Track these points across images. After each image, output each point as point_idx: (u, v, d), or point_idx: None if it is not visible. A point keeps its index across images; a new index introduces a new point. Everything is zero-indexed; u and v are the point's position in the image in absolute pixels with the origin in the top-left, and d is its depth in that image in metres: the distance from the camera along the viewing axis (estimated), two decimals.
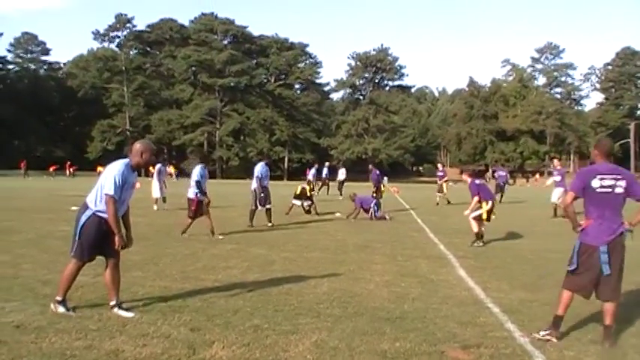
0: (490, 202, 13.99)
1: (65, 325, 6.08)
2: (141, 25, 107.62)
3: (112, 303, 6.65)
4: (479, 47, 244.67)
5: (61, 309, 6.55)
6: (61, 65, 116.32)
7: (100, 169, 74.19)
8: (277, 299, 7.51)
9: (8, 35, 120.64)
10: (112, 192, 6.39)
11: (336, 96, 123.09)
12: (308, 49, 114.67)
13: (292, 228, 16.96)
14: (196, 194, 13.97)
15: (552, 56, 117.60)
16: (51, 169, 73.46)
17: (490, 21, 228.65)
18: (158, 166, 22.71)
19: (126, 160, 6.72)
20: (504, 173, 36.48)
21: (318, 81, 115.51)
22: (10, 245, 11.91)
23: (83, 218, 6.60)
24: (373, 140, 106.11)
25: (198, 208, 14.01)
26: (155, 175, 22.75)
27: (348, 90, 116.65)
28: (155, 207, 22.13)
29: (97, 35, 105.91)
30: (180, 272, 9.25)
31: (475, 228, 13.91)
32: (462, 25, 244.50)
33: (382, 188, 23.51)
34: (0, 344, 5.42)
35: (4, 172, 69.73)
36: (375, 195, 21.27)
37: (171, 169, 76.62)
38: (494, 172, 50.47)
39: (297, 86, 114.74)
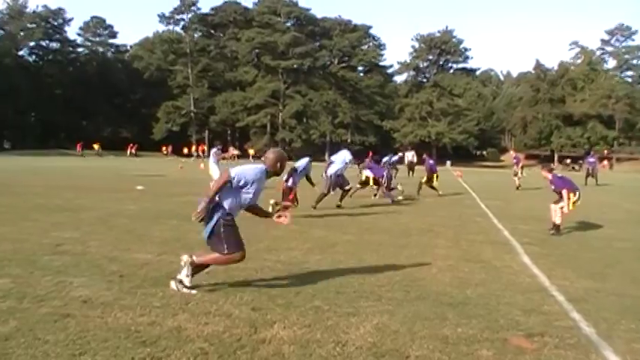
0: (577, 193, 13.50)
1: (130, 301, 6.19)
2: (205, 7, 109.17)
3: (178, 276, 6.73)
4: (546, 29, 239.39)
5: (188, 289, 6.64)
6: (128, 48, 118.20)
7: (164, 149, 75.58)
8: (338, 281, 7.51)
9: (78, 20, 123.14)
10: (232, 175, 6.58)
11: (399, 78, 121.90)
12: (371, 31, 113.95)
13: (354, 210, 16.92)
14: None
15: (623, 38, 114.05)
16: (129, 150, 75.83)
17: (558, 1, 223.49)
18: (214, 149, 23.22)
19: (263, 167, 6.81)
20: (593, 160, 38.33)
21: (381, 63, 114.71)
22: (78, 222, 12.19)
23: (215, 217, 6.59)
24: (437, 123, 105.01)
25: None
26: (211, 158, 23.07)
27: (412, 72, 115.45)
28: None
29: (163, 18, 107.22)
30: None
31: (558, 220, 13.47)
32: (529, 7, 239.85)
33: (434, 178, 23.61)
34: (68, 318, 5.55)
35: (73, 151, 71.63)
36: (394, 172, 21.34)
37: (234, 151, 77.27)
38: (581, 158, 51.52)
39: (360, 68, 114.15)
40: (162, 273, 7.56)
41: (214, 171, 22.50)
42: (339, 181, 17.36)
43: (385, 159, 27.05)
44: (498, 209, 18.57)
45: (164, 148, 79.58)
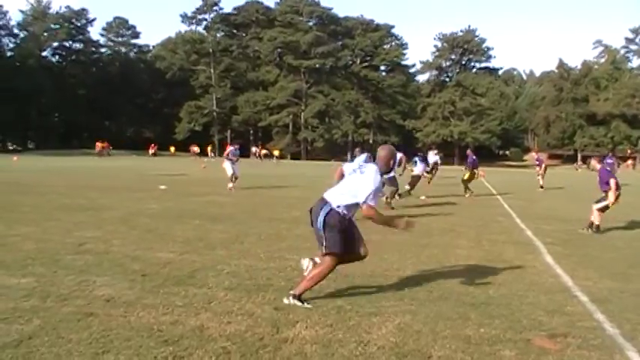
0: (618, 191, 13.39)
1: (152, 300, 6.23)
2: (227, 7, 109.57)
3: (291, 291, 6.46)
4: (569, 28, 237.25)
5: (298, 303, 6.32)
6: (150, 48, 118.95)
7: (194, 148, 75.35)
8: (361, 281, 7.49)
9: (101, 20, 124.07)
10: (373, 203, 6.34)
11: (421, 78, 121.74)
12: (394, 31, 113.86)
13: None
14: None
15: None
16: (150, 150, 76.12)
17: (582, 0, 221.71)
18: (230, 148, 23.92)
19: (376, 167, 6.63)
20: (612, 161, 37.83)
21: (403, 63, 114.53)
22: (101, 222, 12.28)
23: (322, 214, 6.41)
24: (459, 123, 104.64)
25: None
26: (226, 156, 23.45)
27: (434, 72, 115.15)
28: (230, 185, 22.35)
29: (185, 18, 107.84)
30: (265, 251, 9.33)
31: (597, 220, 13.38)
32: (552, 5, 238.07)
33: (476, 173, 23.58)
34: (92, 316, 5.60)
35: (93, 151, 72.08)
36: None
37: (262, 151, 77.95)
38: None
39: (382, 68, 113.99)
40: (184, 272, 7.60)
41: (228, 168, 22.77)
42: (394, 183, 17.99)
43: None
44: (521, 209, 18.45)
45: (194, 148, 77.78)
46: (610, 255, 10.45)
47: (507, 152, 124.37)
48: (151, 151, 77.42)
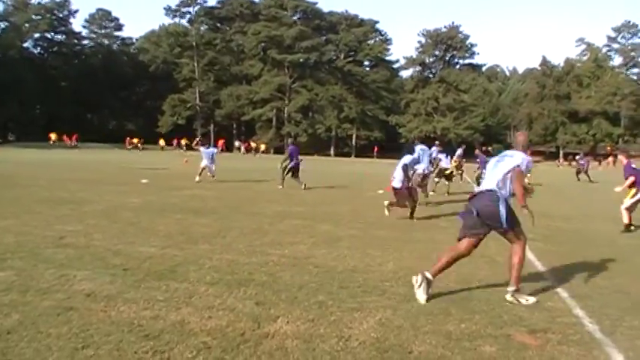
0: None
1: (133, 295, 6.21)
2: (212, 1, 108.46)
3: (509, 288, 6.79)
4: (552, 25, 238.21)
5: (525, 298, 6.70)
6: (134, 41, 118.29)
7: (207, 146, 74.66)
8: (343, 276, 7.51)
9: (83, 12, 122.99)
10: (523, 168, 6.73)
11: (405, 74, 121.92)
12: (378, 26, 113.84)
13: (360, 206, 16.88)
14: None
15: (630, 35, 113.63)
16: (128, 144, 75.72)
17: None
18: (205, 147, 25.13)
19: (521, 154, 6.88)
20: (583, 162, 39.90)
21: (387, 58, 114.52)
22: (82, 215, 12.21)
23: (502, 208, 6.68)
24: (442, 119, 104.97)
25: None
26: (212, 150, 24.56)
27: (418, 68, 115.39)
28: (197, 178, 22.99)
29: (169, 11, 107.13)
30: (247, 246, 9.32)
31: (626, 219, 13.51)
32: (536, 3, 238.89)
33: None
34: (71, 311, 5.57)
35: (81, 144, 71.64)
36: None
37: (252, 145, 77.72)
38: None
39: (366, 63, 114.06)
40: (165, 266, 7.58)
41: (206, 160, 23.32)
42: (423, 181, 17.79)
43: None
44: None
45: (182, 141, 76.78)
46: (591, 251, 10.51)
47: (490, 149, 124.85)
48: (129, 145, 76.93)
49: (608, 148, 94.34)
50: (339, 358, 4.80)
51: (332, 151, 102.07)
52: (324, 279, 7.27)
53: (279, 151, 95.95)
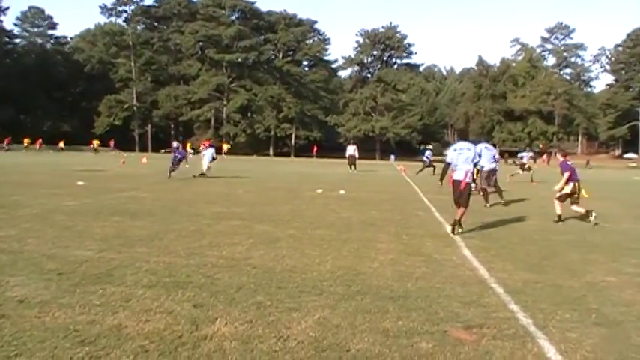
0: (572, 184, 14.61)
1: (69, 300, 6.10)
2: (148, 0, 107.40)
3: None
4: (488, 26, 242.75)
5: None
6: (68, 40, 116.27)
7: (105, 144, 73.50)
8: (281, 276, 7.51)
9: (15, 9, 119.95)
10: None
11: (344, 73, 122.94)
12: (316, 26, 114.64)
13: (298, 206, 16.90)
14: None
15: (562, 36, 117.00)
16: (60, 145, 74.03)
17: None
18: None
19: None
20: (525, 159, 40.24)
21: (326, 58, 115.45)
22: (15, 220, 11.93)
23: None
24: (381, 118, 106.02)
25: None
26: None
27: (356, 67, 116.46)
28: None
29: (105, 10, 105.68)
30: (185, 248, 9.25)
31: (558, 210, 14.68)
32: (472, 3, 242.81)
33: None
34: (3, 318, 5.44)
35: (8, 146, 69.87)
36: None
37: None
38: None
39: (305, 63, 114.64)
40: (102, 270, 7.47)
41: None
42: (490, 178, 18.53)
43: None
44: (441, 203, 18.74)
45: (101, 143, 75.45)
46: (526, 247, 10.73)
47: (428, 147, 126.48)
48: (61, 144, 75.58)
49: (541, 146, 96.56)
50: (277, 358, 4.81)
51: (271, 151, 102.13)
52: (262, 279, 7.27)
53: (217, 152, 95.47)
